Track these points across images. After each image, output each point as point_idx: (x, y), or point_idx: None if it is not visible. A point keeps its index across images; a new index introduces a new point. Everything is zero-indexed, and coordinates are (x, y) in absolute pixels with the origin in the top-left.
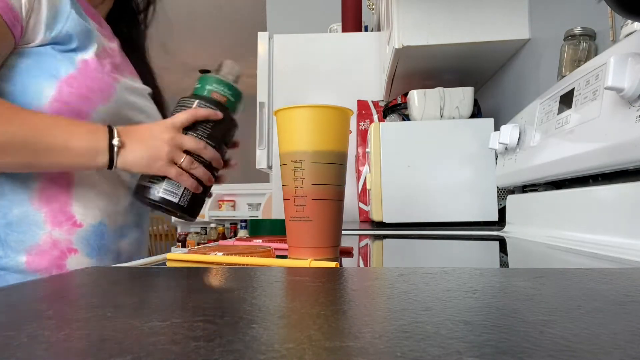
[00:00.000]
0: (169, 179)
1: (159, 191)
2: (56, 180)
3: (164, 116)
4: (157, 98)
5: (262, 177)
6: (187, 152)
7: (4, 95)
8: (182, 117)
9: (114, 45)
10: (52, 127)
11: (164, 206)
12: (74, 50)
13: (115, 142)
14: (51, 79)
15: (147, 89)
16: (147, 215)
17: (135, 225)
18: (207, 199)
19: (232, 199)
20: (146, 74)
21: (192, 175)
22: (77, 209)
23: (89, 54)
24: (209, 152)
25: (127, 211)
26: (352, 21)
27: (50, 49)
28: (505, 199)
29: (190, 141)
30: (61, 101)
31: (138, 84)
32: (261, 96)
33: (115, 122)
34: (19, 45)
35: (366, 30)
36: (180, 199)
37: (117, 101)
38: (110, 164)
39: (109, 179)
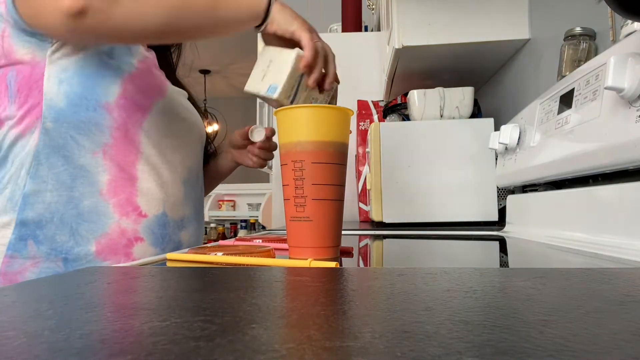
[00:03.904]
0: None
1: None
2: (122, 174)
3: (201, 115)
4: (190, 100)
5: (262, 177)
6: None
7: (78, 86)
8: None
9: (152, 55)
10: None
11: None
12: (130, 53)
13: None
14: (116, 77)
15: (186, 92)
16: (202, 210)
17: (194, 218)
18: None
19: (232, 199)
20: (176, 83)
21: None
22: (142, 200)
23: (142, 55)
24: (332, 68)
25: (185, 204)
26: (352, 21)
27: (113, 50)
28: (505, 199)
29: (324, 46)
30: (126, 97)
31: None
32: None
33: (170, 118)
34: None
35: (366, 30)
36: None
37: (170, 96)
38: (265, 17)
39: (166, 173)
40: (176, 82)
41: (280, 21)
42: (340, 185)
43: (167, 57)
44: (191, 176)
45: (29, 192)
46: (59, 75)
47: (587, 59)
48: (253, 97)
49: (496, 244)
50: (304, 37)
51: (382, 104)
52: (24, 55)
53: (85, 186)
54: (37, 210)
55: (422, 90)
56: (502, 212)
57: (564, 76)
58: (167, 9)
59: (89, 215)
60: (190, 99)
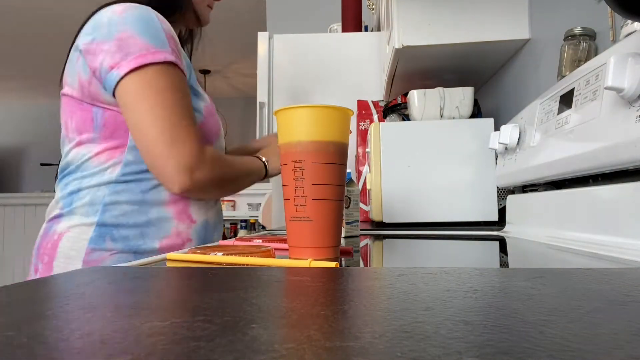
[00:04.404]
0: None
1: None
2: None
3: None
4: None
5: None
6: None
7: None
8: None
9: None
10: (248, 163)
11: None
12: (198, 97)
13: (263, 159)
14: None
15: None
16: (222, 213)
17: (219, 220)
18: None
19: (232, 199)
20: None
21: None
22: (193, 209)
23: (207, 100)
24: None
25: (216, 212)
26: (352, 21)
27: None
28: (505, 199)
29: None
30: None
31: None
32: (261, 96)
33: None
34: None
35: (366, 30)
36: None
37: (222, 136)
38: (265, 172)
39: None
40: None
41: (276, 168)
42: (340, 185)
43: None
44: None
45: (109, 202)
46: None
47: (587, 59)
48: (253, 97)
49: (496, 244)
50: None
51: (382, 104)
52: (110, 100)
53: (153, 200)
54: (115, 215)
55: (422, 90)
56: (502, 212)
57: (564, 76)
58: (232, 190)
59: (155, 222)
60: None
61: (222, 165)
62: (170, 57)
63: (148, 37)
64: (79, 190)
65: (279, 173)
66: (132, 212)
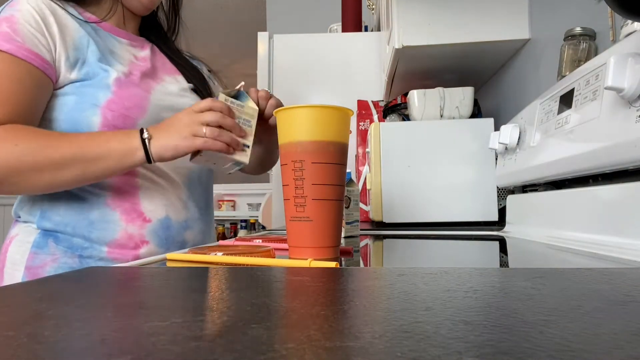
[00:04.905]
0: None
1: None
2: (124, 186)
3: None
4: (205, 87)
5: (262, 177)
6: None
7: (59, 129)
8: (202, 103)
9: (144, 53)
10: (93, 140)
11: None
12: (103, 76)
13: (145, 135)
14: (94, 108)
15: (187, 86)
16: (211, 211)
17: (198, 218)
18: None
19: (232, 199)
20: (187, 70)
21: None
22: (145, 207)
23: (117, 74)
24: (228, 121)
25: (187, 206)
26: (352, 21)
27: (85, 82)
28: (505, 199)
29: (209, 115)
30: (108, 125)
31: (174, 85)
32: None
33: None
34: (57, 86)
35: (366, 30)
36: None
37: (153, 110)
38: (148, 157)
39: (166, 180)
40: (186, 65)
41: (165, 148)
42: (340, 185)
43: (165, 46)
44: (193, 177)
45: (47, 206)
46: (51, 116)
47: (587, 59)
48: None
49: (496, 244)
50: (197, 145)
51: (382, 104)
52: None
53: (92, 197)
54: (54, 221)
55: (422, 90)
56: (502, 212)
57: (564, 76)
58: (46, 180)
59: (99, 223)
60: (196, 87)
61: (1, 147)
62: None
63: None
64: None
65: (174, 156)
66: (71, 217)
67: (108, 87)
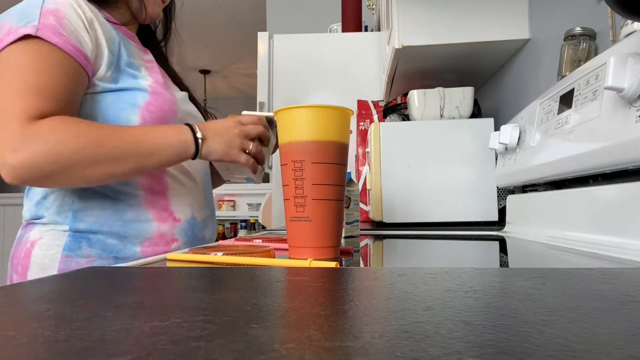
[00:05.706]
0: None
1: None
2: (156, 186)
3: (203, 114)
4: (191, 99)
5: (262, 177)
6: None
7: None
8: (248, 118)
9: (149, 57)
10: (147, 134)
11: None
12: (138, 78)
13: (199, 135)
14: (133, 107)
15: (186, 93)
16: (214, 207)
17: (211, 217)
18: None
19: (232, 199)
20: (175, 78)
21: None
22: (175, 207)
23: (149, 78)
24: (268, 137)
25: (205, 206)
26: (352, 21)
27: (120, 83)
28: (505, 199)
29: (255, 129)
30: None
31: (179, 91)
32: (261, 96)
33: None
34: (91, 84)
35: (366, 30)
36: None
37: (180, 112)
38: (196, 154)
39: (189, 179)
40: (173, 74)
41: (214, 152)
42: (340, 185)
43: (157, 52)
44: (206, 179)
45: (78, 208)
46: (87, 113)
47: (587, 59)
48: (253, 97)
49: (496, 244)
50: (241, 161)
51: (382, 104)
52: None
53: (127, 199)
54: (88, 222)
55: (422, 90)
56: (502, 212)
57: (564, 76)
58: (104, 172)
59: (133, 223)
60: (191, 98)
61: (62, 138)
62: (26, 30)
63: (15, 19)
64: (46, 195)
65: (216, 160)
66: (105, 217)
67: (144, 89)
